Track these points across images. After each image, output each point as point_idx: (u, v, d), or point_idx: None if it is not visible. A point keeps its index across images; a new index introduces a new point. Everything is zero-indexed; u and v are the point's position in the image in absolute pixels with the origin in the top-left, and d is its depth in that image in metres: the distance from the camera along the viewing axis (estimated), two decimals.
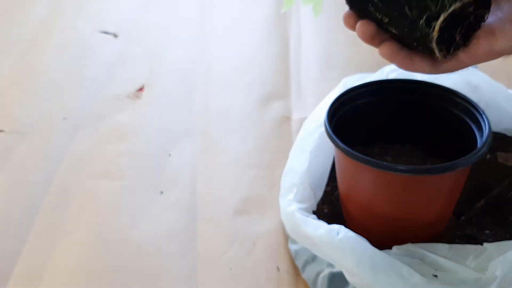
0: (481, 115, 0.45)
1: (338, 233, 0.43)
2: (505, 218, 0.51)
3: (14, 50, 0.83)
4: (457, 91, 0.48)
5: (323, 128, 0.54)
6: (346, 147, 0.43)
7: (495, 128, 0.54)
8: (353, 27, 0.40)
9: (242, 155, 0.63)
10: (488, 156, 0.57)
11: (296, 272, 0.50)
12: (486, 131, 0.44)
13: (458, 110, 0.47)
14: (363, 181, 0.45)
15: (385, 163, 0.41)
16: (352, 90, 0.49)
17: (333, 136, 0.44)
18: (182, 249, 0.53)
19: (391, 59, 0.39)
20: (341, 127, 0.46)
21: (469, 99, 0.47)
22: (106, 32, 0.86)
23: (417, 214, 0.46)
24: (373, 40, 0.39)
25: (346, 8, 0.40)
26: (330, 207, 0.53)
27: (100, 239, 0.54)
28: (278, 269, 0.51)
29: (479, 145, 0.43)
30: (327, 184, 0.53)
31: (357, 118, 0.48)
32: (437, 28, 0.35)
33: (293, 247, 0.51)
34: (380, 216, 0.46)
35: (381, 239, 0.45)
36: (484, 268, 0.42)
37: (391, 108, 0.50)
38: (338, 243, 0.43)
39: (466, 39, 0.36)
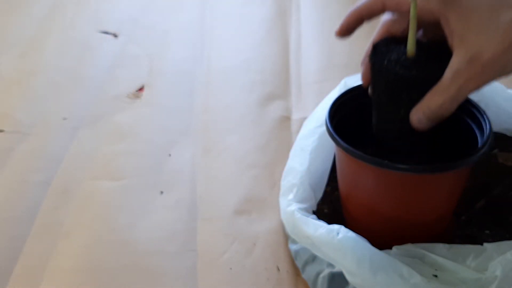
0: (481, 114, 0.45)
1: (338, 233, 0.43)
2: (505, 218, 0.51)
3: (14, 50, 0.83)
4: None
5: (323, 128, 0.54)
6: (347, 145, 0.43)
7: (495, 128, 0.54)
8: None
9: (242, 155, 0.63)
10: (488, 155, 0.57)
11: (296, 272, 0.50)
12: (487, 131, 0.44)
13: (459, 110, 0.47)
14: (364, 180, 0.45)
15: (386, 161, 0.41)
16: (353, 90, 0.49)
17: (334, 135, 0.44)
18: (182, 249, 0.53)
19: None
20: (341, 127, 0.46)
21: (470, 99, 0.47)
22: (106, 32, 0.86)
23: (417, 213, 0.46)
24: None
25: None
26: (330, 207, 0.53)
27: (100, 239, 0.54)
28: (278, 269, 0.51)
29: (480, 144, 0.43)
30: (327, 184, 0.53)
31: (357, 118, 0.48)
32: None
33: (293, 247, 0.51)
34: (380, 215, 0.46)
35: (381, 239, 0.45)
36: (484, 268, 0.42)
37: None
38: (338, 243, 0.43)
39: None
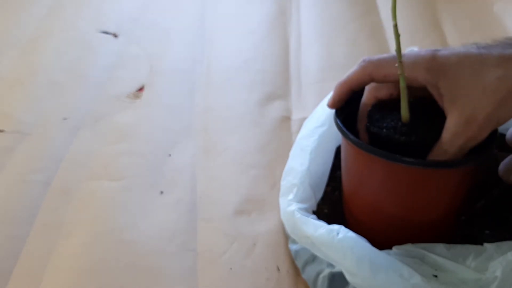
0: None
1: (338, 233, 0.43)
2: (505, 218, 0.51)
3: (14, 50, 0.83)
4: None
5: (323, 128, 0.54)
6: (356, 139, 0.43)
7: None
8: None
9: (242, 155, 0.63)
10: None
11: (296, 272, 0.50)
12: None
13: None
14: (370, 176, 0.45)
15: (396, 155, 0.41)
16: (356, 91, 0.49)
17: (343, 128, 0.44)
18: (182, 249, 0.53)
19: None
20: (346, 125, 0.45)
21: None
22: (106, 32, 0.86)
23: (421, 212, 0.46)
24: None
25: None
26: (330, 207, 0.53)
27: (100, 239, 0.54)
28: (278, 269, 0.51)
29: (486, 144, 0.43)
30: (327, 184, 0.53)
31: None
32: None
33: (293, 247, 0.51)
34: (384, 214, 0.46)
35: (383, 239, 0.45)
36: (484, 268, 0.42)
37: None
38: (338, 243, 0.43)
39: None
